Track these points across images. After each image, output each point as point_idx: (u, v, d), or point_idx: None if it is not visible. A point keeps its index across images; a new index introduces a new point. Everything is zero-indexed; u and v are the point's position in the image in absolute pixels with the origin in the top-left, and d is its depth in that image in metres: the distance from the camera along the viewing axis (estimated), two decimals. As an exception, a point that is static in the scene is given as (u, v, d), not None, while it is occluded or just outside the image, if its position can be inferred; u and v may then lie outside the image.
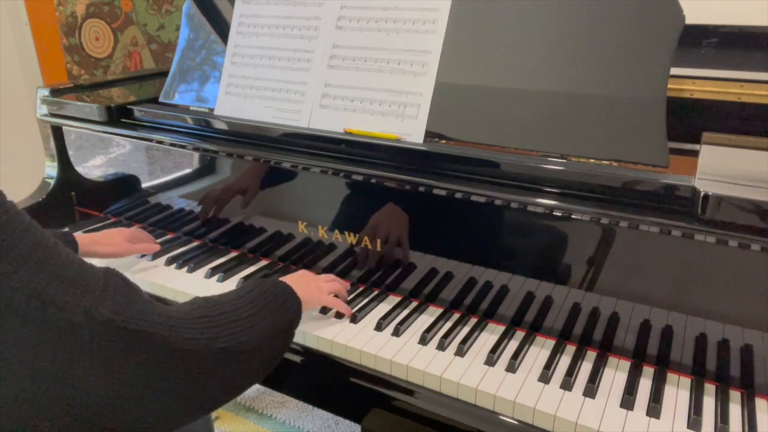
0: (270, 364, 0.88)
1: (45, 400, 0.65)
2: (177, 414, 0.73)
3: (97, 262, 0.77)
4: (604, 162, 0.97)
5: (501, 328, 1.06)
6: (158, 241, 1.39)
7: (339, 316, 1.09)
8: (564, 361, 0.97)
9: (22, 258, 0.62)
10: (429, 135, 1.09)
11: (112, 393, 0.66)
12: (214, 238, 1.36)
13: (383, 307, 1.12)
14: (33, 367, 0.63)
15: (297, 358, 1.05)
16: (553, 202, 0.95)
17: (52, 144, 1.51)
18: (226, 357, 0.76)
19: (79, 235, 1.17)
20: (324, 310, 1.10)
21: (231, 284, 1.21)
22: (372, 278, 1.17)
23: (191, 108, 1.39)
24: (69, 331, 0.63)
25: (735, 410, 0.86)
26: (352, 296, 1.15)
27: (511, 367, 0.95)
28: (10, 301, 0.61)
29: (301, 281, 1.00)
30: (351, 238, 1.16)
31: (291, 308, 0.92)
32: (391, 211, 1.10)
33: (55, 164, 1.53)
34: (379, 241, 1.13)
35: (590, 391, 0.89)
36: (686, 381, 0.92)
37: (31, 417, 0.66)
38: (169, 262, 1.28)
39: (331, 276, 1.14)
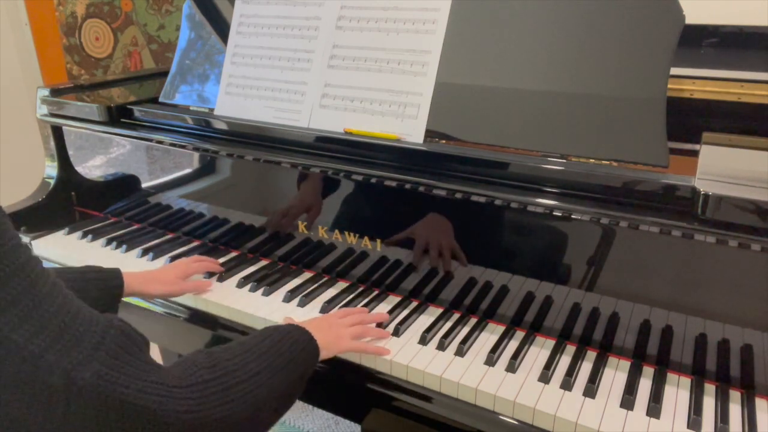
0: (277, 415, 0.81)
1: None
2: None
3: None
4: (604, 162, 0.97)
5: (501, 328, 1.06)
6: (157, 241, 1.39)
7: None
8: (564, 361, 0.97)
9: (7, 303, 0.56)
10: (429, 135, 1.09)
11: None
12: (214, 239, 1.36)
13: (383, 308, 1.12)
14: (6, 420, 0.58)
15: (297, 358, 1.05)
16: (553, 202, 0.95)
17: (52, 144, 1.51)
18: (227, 426, 0.69)
19: (129, 274, 1.06)
20: (324, 310, 1.10)
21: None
22: (372, 278, 1.17)
23: (191, 108, 1.39)
24: (45, 393, 0.57)
25: (735, 410, 0.86)
26: (352, 296, 1.15)
27: (511, 367, 0.95)
28: None
29: (322, 326, 0.93)
30: (351, 238, 1.16)
31: (306, 358, 0.85)
32: (391, 213, 1.10)
33: (55, 164, 1.53)
34: (378, 242, 1.13)
35: (590, 391, 0.89)
36: (686, 381, 0.92)
37: None
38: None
39: (354, 317, 1.02)
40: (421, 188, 1.04)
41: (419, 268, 1.11)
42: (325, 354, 0.91)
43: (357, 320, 1.02)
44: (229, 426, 0.70)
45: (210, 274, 1.22)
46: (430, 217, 1.07)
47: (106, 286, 1.01)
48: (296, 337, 0.85)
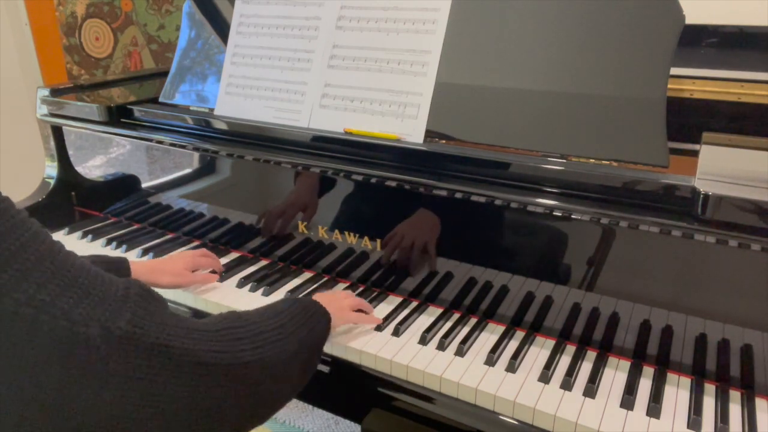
0: (301, 381, 0.83)
1: (49, 428, 0.59)
2: None
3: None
4: (604, 162, 0.97)
5: (501, 328, 1.06)
6: (157, 241, 1.39)
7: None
8: (564, 361, 0.97)
9: (28, 267, 0.57)
10: (429, 135, 1.09)
11: (132, 414, 0.61)
12: (214, 239, 1.36)
13: (383, 307, 1.12)
14: (38, 392, 0.58)
15: (297, 358, 1.05)
16: (553, 202, 0.95)
17: (52, 144, 1.51)
18: (255, 372, 0.71)
19: (136, 263, 1.08)
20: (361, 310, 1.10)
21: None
22: (372, 278, 1.17)
23: (191, 108, 1.39)
24: (82, 347, 0.57)
25: (735, 410, 0.86)
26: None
27: (511, 367, 0.95)
28: (14, 315, 0.55)
29: (324, 301, 0.95)
30: (351, 238, 1.16)
31: (319, 323, 0.88)
32: (391, 213, 1.10)
33: (55, 164, 1.53)
34: (378, 242, 1.13)
35: (590, 391, 0.89)
36: (686, 381, 0.92)
37: None
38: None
39: (346, 292, 1.09)
40: (421, 188, 1.04)
41: (419, 268, 1.11)
42: (334, 322, 0.93)
43: (349, 294, 1.08)
44: (255, 374, 0.72)
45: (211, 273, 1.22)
46: (430, 217, 1.07)
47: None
48: (308, 303, 0.89)
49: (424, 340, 1.01)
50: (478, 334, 1.04)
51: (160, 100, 1.42)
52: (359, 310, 1.05)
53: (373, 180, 1.09)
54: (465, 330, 1.05)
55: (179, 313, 1.18)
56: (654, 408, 0.86)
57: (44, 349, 0.57)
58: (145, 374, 0.61)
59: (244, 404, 0.71)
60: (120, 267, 1.04)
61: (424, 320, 1.08)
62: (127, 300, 0.63)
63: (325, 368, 1.03)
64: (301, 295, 1.14)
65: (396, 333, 1.04)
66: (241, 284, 1.19)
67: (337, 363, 1.02)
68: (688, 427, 0.83)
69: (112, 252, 1.35)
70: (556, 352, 0.98)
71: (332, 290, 1.14)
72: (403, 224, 1.10)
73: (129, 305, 0.62)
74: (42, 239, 0.60)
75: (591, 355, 0.98)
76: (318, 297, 1.00)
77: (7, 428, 0.60)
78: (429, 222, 1.07)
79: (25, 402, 0.58)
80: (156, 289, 1.07)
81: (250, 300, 1.15)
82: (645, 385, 0.91)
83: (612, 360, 0.97)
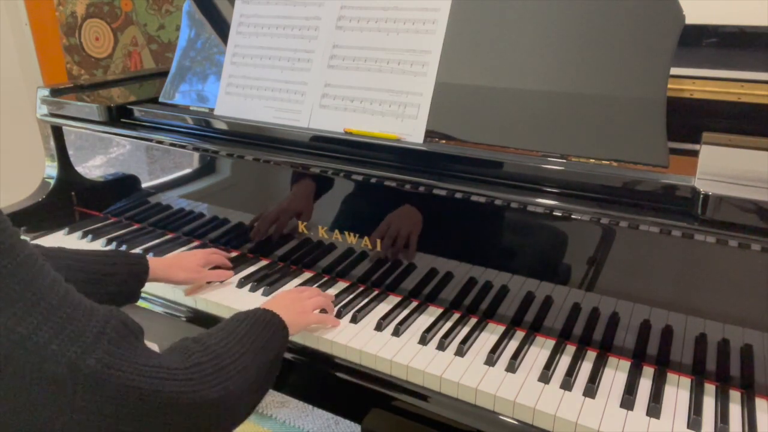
0: (260, 396, 0.86)
1: None
2: None
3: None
4: (604, 162, 0.97)
5: (501, 328, 1.06)
6: (157, 241, 1.39)
7: (338, 315, 1.09)
8: (564, 361, 0.97)
9: (13, 298, 0.58)
10: (429, 135, 1.09)
11: None
12: (214, 239, 1.36)
13: (383, 307, 1.12)
14: (9, 417, 0.59)
15: (297, 358, 1.05)
16: (553, 202, 0.95)
17: (52, 144, 1.51)
18: (220, 405, 0.73)
19: (153, 259, 1.11)
20: (324, 310, 1.10)
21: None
22: (372, 278, 1.17)
23: (191, 108, 1.39)
24: (51, 382, 0.59)
25: (735, 410, 0.86)
26: (352, 296, 1.15)
27: (511, 367, 0.95)
28: None
29: (285, 304, 0.98)
30: (351, 238, 1.16)
31: (279, 338, 0.90)
32: (391, 212, 1.10)
33: (55, 164, 1.53)
34: (378, 242, 1.13)
35: (590, 391, 0.89)
36: (686, 381, 0.92)
37: None
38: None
39: (313, 290, 1.10)
40: (421, 188, 1.04)
41: (418, 268, 1.11)
42: (292, 331, 0.94)
43: (315, 293, 1.08)
44: (225, 405, 0.74)
45: None
46: (430, 217, 1.07)
47: (132, 271, 1.05)
48: (267, 320, 0.89)
49: (424, 340, 1.01)
50: (478, 334, 1.04)
51: (160, 100, 1.42)
52: (323, 310, 1.07)
53: (373, 180, 1.09)
54: (465, 330, 1.05)
55: (179, 313, 1.19)
56: (654, 408, 0.86)
57: (17, 382, 0.58)
58: (112, 412, 0.62)
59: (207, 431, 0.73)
60: (139, 263, 1.07)
61: (424, 320, 1.08)
62: (102, 336, 0.63)
63: (325, 368, 1.03)
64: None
65: (396, 333, 1.04)
66: (241, 284, 1.19)
67: (337, 363, 1.02)
68: (688, 427, 0.83)
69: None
70: (556, 352, 0.98)
71: (297, 288, 1.13)
72: (404, 224, 1.09)
73: (102, 342, 0.63)
74: (28, 268, 0.61)
75: (591, 355, 0.98)
76: (280, 299, 1.02)
77: None
78: (429, 222, 1.07)
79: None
80: (169, 285, 1.11)
81: (250, 300, 1.15)
82: (645, 385, 0.91)
83: (612, 360, 0.97)
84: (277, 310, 0.93)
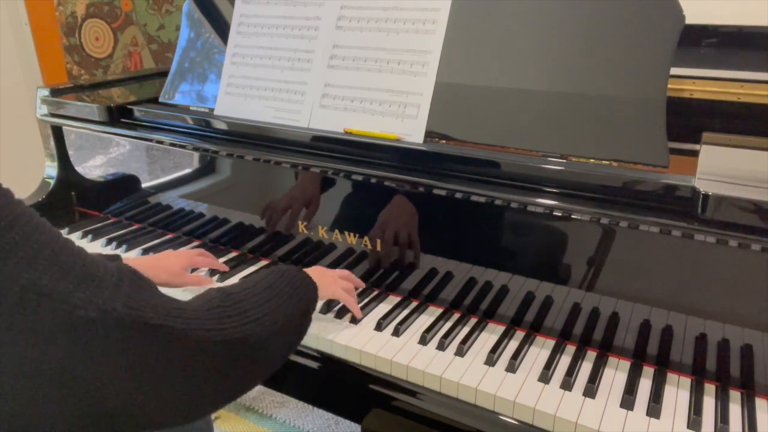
0: (289, 349, 0.88)
1: (55, 402, 0.63)
2: (197, 405, 0.72)
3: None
4: (604, 162, 0.97)
5: (501, 328, 1.06)
6: (157, 241, 1.39)
7: (339, 315, 1.09)
8: (564, 361, 0.97)
9: (31, 256, 0.61)
10: (429, 135, 1.09)
11: (129, 388, 0.65)
12: (214, 239, 1.36)
13: (383, 307, 1.12)
14: (41, 369, 0.62)
15: (297, 359, 1.05)
16: (553, 202, 0.95)
17: (52, 144, 1.51)
18: (246, 346, 0.75)
19: (133, 259, 1.09)
20: (324, 310, 1.10)
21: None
22: (372, 278, 1.17)
23: (191, 108, 1.39)
24: (84, 328, 0.62)
25: (735, 410, 0.86)
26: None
27: (511, 367, 0.95)
28: (20, 301, 0.59)
29: (317, 271, 1.00)
30: (351, 238, 1.16)
31: (307, 291, 0.91)
32: (390, 212, 1.10)
33: (55, 164, 1.53)
34: (378, 242, 1.13)
35: (590, 391, 0.89)
36: (686, 381, 0.92)
37: (40, 420, 0.64)
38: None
39: (346, 272, 1.13)
40: (421, 188, 1.04)
41: (418, 268, 1.11)
42: (321, 293, 0.97)
43: (347, 275, 1.12)
44: (249, 346, 0.76)
45: (211, 273, 1.22)
46: (430, 217, 1.07)
47: None
48: (294, 273, 0.91)
49: (424, 340, 1.01)
50: (478, 334, 1.04)
51: (160, 100, 1.42)
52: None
53: (373, 180, 1.09)
54: (465, 330, 1.05)
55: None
56: (654, 408, 0.86)
57: (48, 331, 0.61)
58: (142, 351, 0.65)
59: (235, 375, 0.76)
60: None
61: (424, 320, 1.08)
62: (121, 284, 0.66)
63: (325, 368, 1.03)
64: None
65: (396, 333, 1.04)
66: (241, 284, 1.19)
67: (337, 363, 1.02)
68: (688, 427, 0.83)
69: (112, 252, 1.35)
70: (556, 352, 0.98)
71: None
72: (404, 224, 1.09)
73: (123, 289, 0.66)
74: (42, 230, 0.64)
75: (591, 355, 0.98)
76: (315, 268, 1.04)
77: (18, 406, 0.64)
78: (429, 222, 1.07)
79: (33, 379, 0.62)
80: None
81: (250, 300, 1.15)
82: (645, 385, 0.91)
83: (612, 360, 0.97)
84: (307, 270, 0.96)
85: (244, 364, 0.77)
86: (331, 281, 1.04)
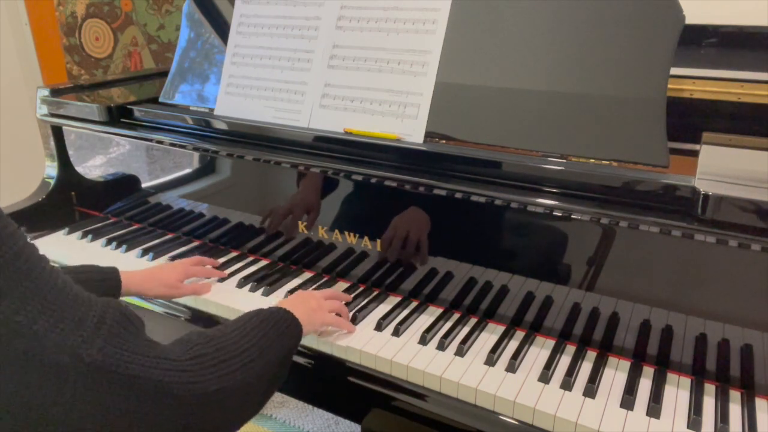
0: (267, 395, 0.85)
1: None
2: None
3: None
4: (604, 162, 0.97)
5: (501, 328, 1.06)
6: (157, 241, 1.39)
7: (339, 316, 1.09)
8: (564, 361, 0.97)
9: (9, 286, 0.58)
10: (429, 135, 1.09)
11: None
12: (214, 239, 1.36)
13: (383, 307, 1.12)
14: (11, 402, 0.60)
15: (297, 359, 1.05)
16: (553, 202, 0.95)
17: (52, 144, 1.51)
18: (223, 398, 0.73)
19: (128, 273, 1.07)
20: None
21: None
22: (372, 278, 1.17)
23: (191, 108, 1.39)
24: (53, 371, 0.59)
25: (735, 410, 0.86)
26: (352, 296, 1.15)
27: (511, 367, 0.95)
28: None
29: (300, 301, 0.97)
30: (351, 238, 1.16)
31: (292, 335, 0.89)
32: (397, 216, 1.10)
33: (55, 164, 1.53)
34: (378, 241, 1.13)
35: (590, 391, 0.89)
36: (686, 381, 0.92)
37: None
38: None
39: (330, 292, 1.09)
40: (421, 188, 1.04)
41: (418, 268, 1.11)
42: (307, 329, 0.93)
43: (330, 294, 1.07)
44: (224, 398, 0.73)
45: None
46: (430, 217, 1.07)
47: (101, 287, 1.00)
48: (279, 316, 0.88)
49: (424, 340, 1.01)
50: (478, 334, 1.04)
51: (160, 100, 1.42)
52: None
53: (373, 180, 1.09)
54: (465, 330, 1.05)
55: (179, 313, 1.19)
56: (654, 408, 0.86)
57: (17, 368, 0.59)
58: (111, 400, 0.63)
59: (209, 426, 0.73)
60: (111, 278, 1.04)
61: (424, 320, 1.08)
62: (101, 326, 0.63)
63: (325, 368, 1.03)
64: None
65: (396, 333, 1.04)
66: (241, 284, 1.19)
67: (337, 363, 1.02)
68: (688, 427, 0.83)
69: (112, 252, 1.35)
70: (556, 352, 0.98)
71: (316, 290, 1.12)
72: (403, 224, 1.09)
73: (102, 333, 0.63)
74: (25, 257, 0.61)
75: (591, 355, 0.98)
76: (295, 297, 1.01)
77: None
78: (429, 222, 1.07)
79: (5, 416, 0.60)
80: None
81: (250, 300, 1.15)
82: (645, 385, 0.91)
83: (612, 360, 0.97)
84: (291, 307, 0.92)
85: (221, 415, 0.74)
86: (317, 307, 0.99)
